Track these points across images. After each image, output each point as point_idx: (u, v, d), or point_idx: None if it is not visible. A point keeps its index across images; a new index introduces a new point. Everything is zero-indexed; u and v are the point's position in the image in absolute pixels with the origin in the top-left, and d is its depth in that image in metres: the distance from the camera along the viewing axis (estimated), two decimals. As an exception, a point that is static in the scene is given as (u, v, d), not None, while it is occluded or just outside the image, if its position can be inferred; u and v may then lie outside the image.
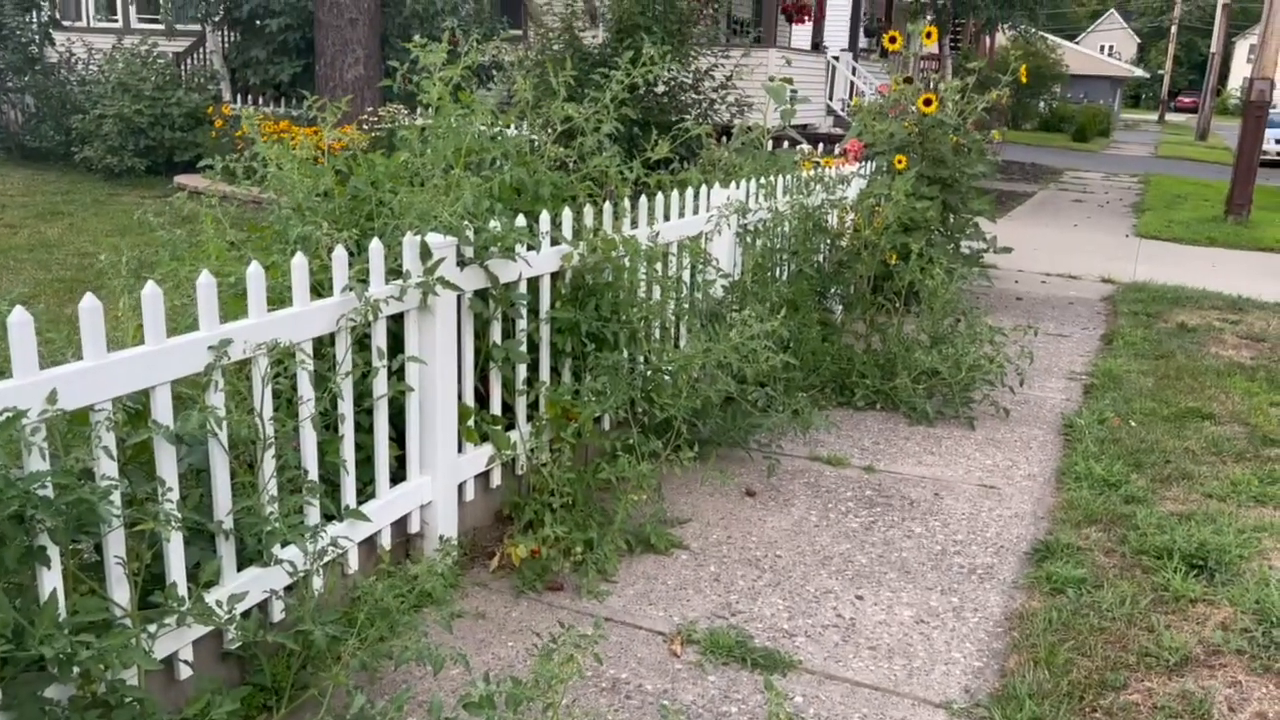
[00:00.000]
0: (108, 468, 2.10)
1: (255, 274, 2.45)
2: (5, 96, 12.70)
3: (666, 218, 4.26)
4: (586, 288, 3.72)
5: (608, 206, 3.84)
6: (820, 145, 8.70)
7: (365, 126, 7.14)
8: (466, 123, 3.53)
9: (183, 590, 2.29)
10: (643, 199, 4.12)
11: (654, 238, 4.00)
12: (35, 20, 13.10)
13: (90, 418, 2.10)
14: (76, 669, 1.95)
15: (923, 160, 6.44)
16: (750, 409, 4.10)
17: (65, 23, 14.55)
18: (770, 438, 4.25)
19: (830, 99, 17.40)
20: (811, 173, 5.61)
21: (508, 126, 3.85)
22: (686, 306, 4.41)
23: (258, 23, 11.72)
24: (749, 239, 4.91)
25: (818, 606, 3.10)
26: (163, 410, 2.24)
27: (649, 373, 3.86)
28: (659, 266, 4.16)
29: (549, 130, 4.01)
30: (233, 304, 2.86)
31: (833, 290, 5.85)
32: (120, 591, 2.17)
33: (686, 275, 4.46)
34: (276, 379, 2.58)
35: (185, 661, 2.33)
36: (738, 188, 4.80)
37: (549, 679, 1.81)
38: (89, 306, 2.06)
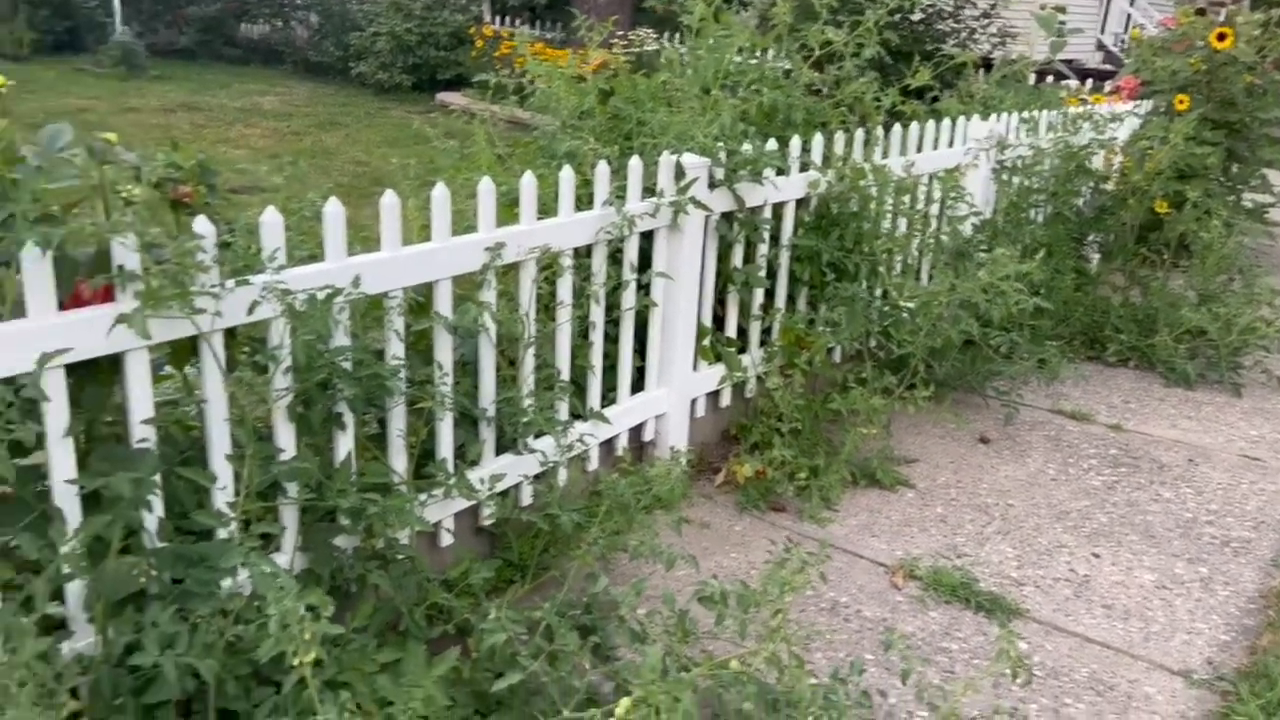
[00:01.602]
0: (397, 349, 2.34)
1: (529, 183, 2.61)
2: (294, 14, 13.83)
3: (920, 148, 4.14)
4: (830, 216, 3.70)
5: (859, 134, 3.77)
6: (1088, 81, 8.08)
7: (617, 49, 7.28)
8: (726, 44, 3.55)
9: (450, 466, 2.53)
10: (896, 128, 4.01)
11: (908, 168, 3.91)
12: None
13: (384, 303, 2.34)
14: (362, 523, 2.22)
15: (1208, 102, 5.85)
16: (992, 354, 3.97)
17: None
18: (1010, 385, 4.10)
19: (1102, 32, 16.01)
20: (1079, 109, 5.25)
21: (764, 50, 3.84)
22: (932, 242, 4.29)
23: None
24: (1005, 176, 4.68)
25: (1050, 559, 3.01)
26: (443, 303, 2.45)
27: (887, 307, 3.80)
28: (907, 198, 4.07)
29: (804, 54, 3.97)
30: (502, 212, 3.06)
31: (1091, 237, 5.49)
32: (399, 461, 2.43)
33: (935, 209, 4.32)
34: (538, 284, 2.75)
35: (448, 530, 2.59)
36: (998, 121, 4.57)
37: (781, 585, 1.89)
38: (389, 203, 2.28)
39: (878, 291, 3.89)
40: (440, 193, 2.39)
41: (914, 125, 4.07)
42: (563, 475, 2.85)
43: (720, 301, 3.52)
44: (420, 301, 2.55)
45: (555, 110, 3.58)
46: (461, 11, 12.76)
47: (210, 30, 13.95)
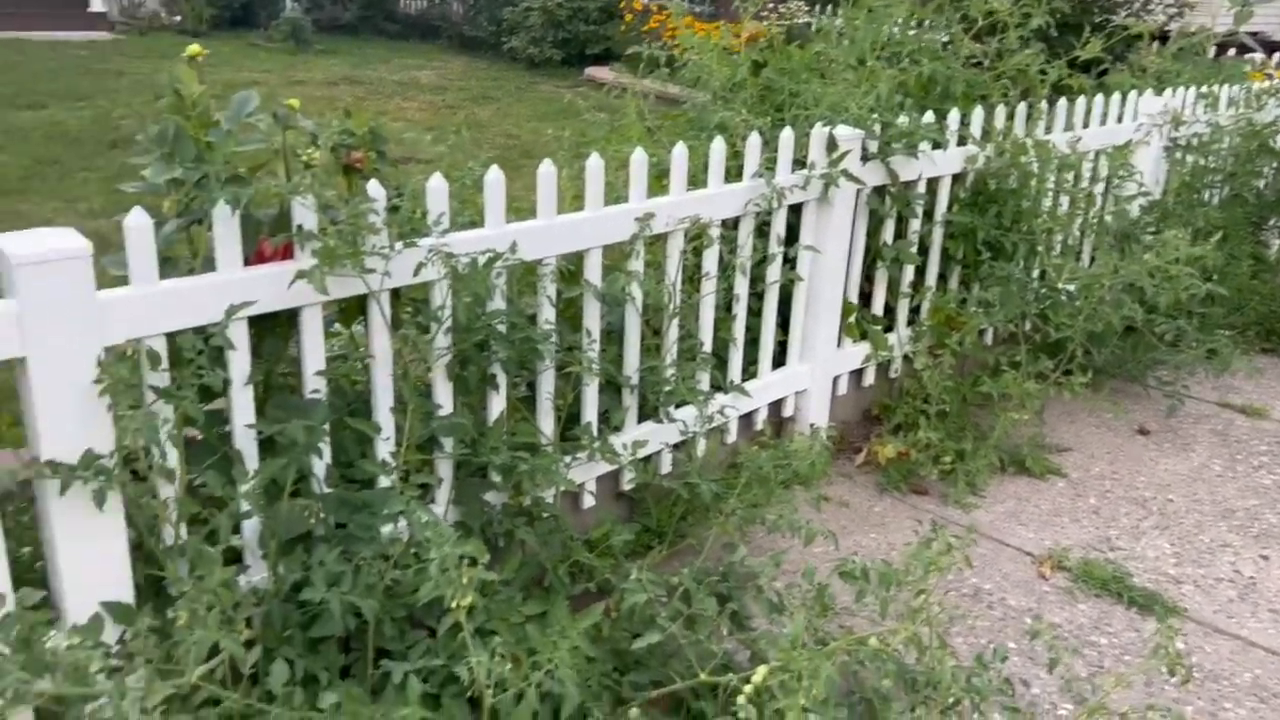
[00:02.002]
0: (549, 314, 2.40)
1: (680, 154, 2.63)
2: (451, -9, 14.23)
3: (1086, 124, 3.94)
4: (988, 193, 3.57)
5: (1021, 108, 3.62)
6: (1276, 55, 7.49)
7: (770, 21, 7.19)
8: (885, 14, 3.47)
9: (594, 431, 2.59)
10: (1061, 101, 3.83)
11: (1073, 144, 3.73)
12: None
13: (538, 270, 2.40)
14: (511, 480, 2.30)
15: None
16: (1156, 341, 3.76)
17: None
18: (1174, 375, 3.88)
19: (1295, 0, 14.77)
20: (1264, 85, 4.88)
21: (923, 21, 3.72)
22: (1095, 222, 4.09)
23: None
24: (1179, 154, 4.41)
25: (1212, 558, 2.85)
26: (593, 271, 2.50)
27: (1045, 289, 3.65)
28: (1071, 175, 3.88)
29: (965, 25, 3.82)
30: (651, 184, 3.08)
31: (1272, 221, 5.11)
32: (546, 423, 2.50)
33: (1100, 188, 4.12)
34: (684, 255, 2.77)
35: (590, 492, 2.65)
36: (1173, 96, 4.30)
37: (926, 565, 1.86)
38: (546, 172, 2.33)
39: (1035, 272, 3.74)
40: (595, 163, 2.43)
41: (1080, 99, 3.87)
42: (702, 445, 2.88)
43: (868, 278, 3.46)
44: (570, 270, 2.61)
45: (706, 83, 3.58)
46: (612, -14, 12.85)
47: (371, 6, 14.50)
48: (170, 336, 1.79)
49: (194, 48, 1.90)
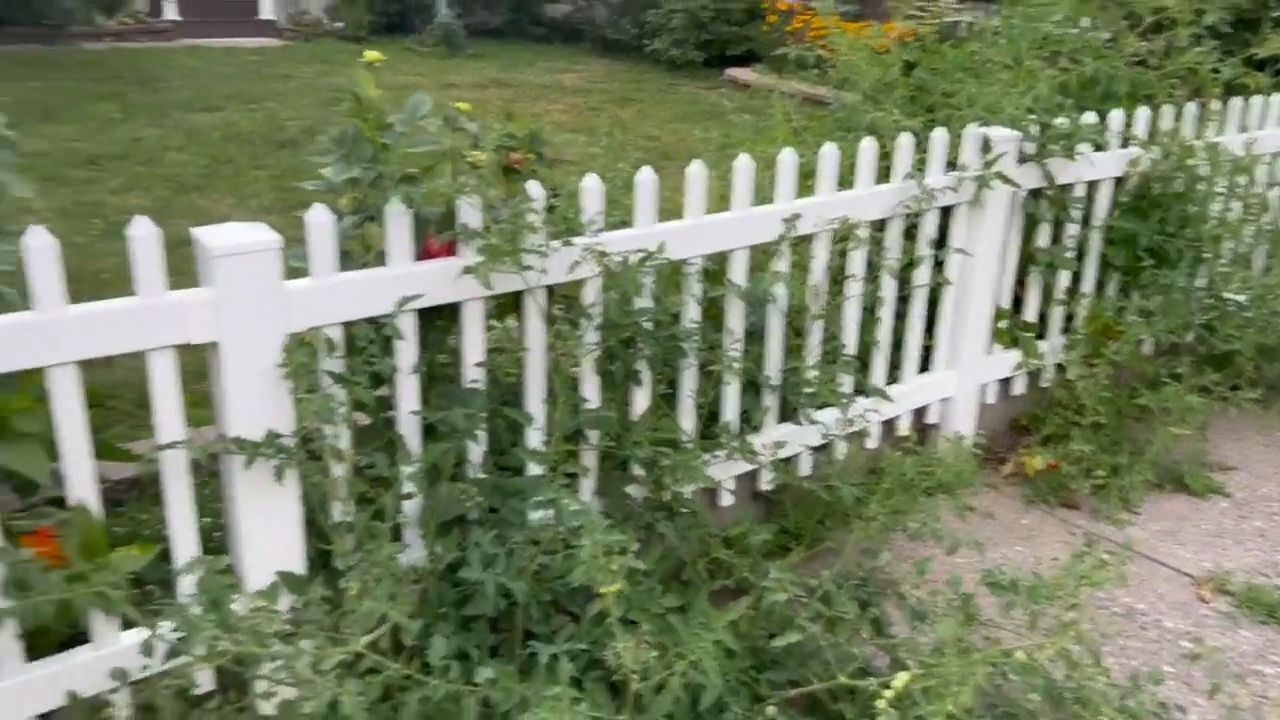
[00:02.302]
0: (693, 313, 2.44)
1: (829, 154, 2.62)
2: (596, -6, 14.45)
3: (1262, 125, 3.72)
4: (1151, 197, 3.41)
5: (1190, 108, 3.45)
6: None
7: (921, 20, 7.04)
8: (1044, 11, 3.36)
9: (734, 430, 2.61)
10: (1235, 101, 3.63)
11: (1247, 145, 3.53)
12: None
13: (683, 269, 2.44)
14: (653, 475, 2.35)
15: None
16: (1336, 356, 3.52)
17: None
18: (1356, 394, 3.63)
19: None
20: None
21: (1084, 19, 3.59)
22: (1270, 229, 3.85)
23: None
24: (1368, 158, 4.10)
25: (1396, 592, 2.66)
26: (738, 271, 2.52)
27: (1211, 299, 3.47)
28: (1243, 179, 3.67)
29: (1130, 22, 3.66)
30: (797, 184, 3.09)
31: None
32: (687, 420, 2.54)
33: (1276, 192, 3.87)
34: (830, 256, 2.76)
35: (728, 490, 2.68)
36: (1364, 94, 4.00)
37: (1078, 579, 1.81)
38: (696, 172, 2.37)
39: (1200, 281, 3.55)
40: (743, 163, 2.45)
41: (1256, 99, 3.66)
42: (842, 449, 2.86)
43: (1020, 283, 3.36)
44: (715, 269, 2.64)
45: (855, 83, 3.55)
46: (755, -14, 12.81)
47: (519, 11, 14.88)
48: (345, 325, 1.91)
49: (372, 54, 2.02)
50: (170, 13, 12.90)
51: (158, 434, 1.74)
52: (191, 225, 4.91)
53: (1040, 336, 3.41)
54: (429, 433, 2.09)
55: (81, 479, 1.70)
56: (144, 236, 1.66)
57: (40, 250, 1.58)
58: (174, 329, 1.70)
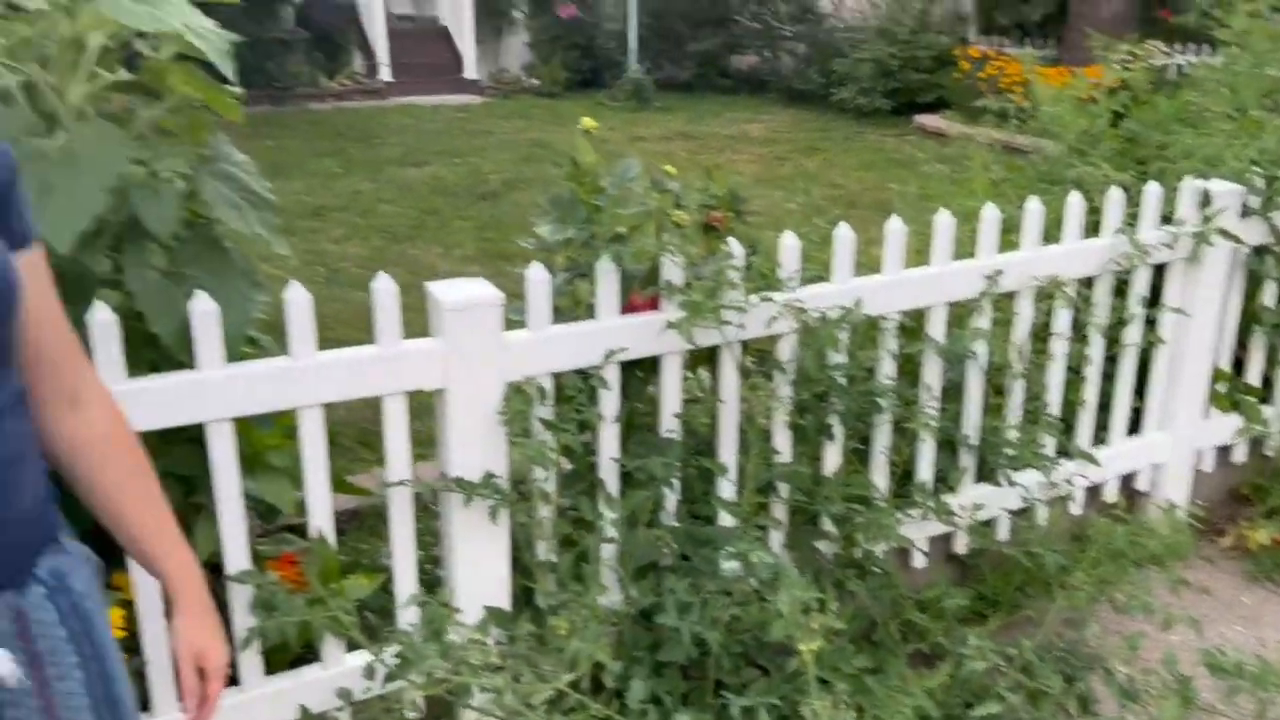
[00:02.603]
0: (890, 369, 2.43)
1: (1034, 210, 2.56)
2: (782, 45, 14.60)
3: None
4: (1399, 254, 3.13)
5: None
6: None
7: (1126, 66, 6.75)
8: (1272, 57, 3.17)
9: (929, 489, 2.57)
10: None
11: None
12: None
13: (879, 324, 2.44)
14: (844, 531, 2.34)
15: None
16: None
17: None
18: None
19: None
20: None
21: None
22: None
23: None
24: None
25: None
26: (936, 326, 2.50)
27: None
28: None
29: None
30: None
31: None
32: (880, 477, 2.52)
33: None
34: (1033, 313, 2.69)
35: (922, 551, 2.63)
36: None
37: (1315, 669, 1.68)
38: (895, 228, 2.38)
39: None
40: (944, 219, 2.44)
41: None
42: (1044, 513, 2.75)
43: (1241, 344, 3.15)
44: (911, 324, 2.62)
45: (1058, 134, 3.45)
46: (946, 33, 12.61)
47: (706, 64, 15.21)
48: (554, 375, 2.03)
49: (588, 121, 2.15)
50: (384, 74, 13.92)
51: (388, 472, 1.90)
52: (403, 273, 5.26)
53: (1265, 401, 3.18)
54: (626, 479, 2.17)
55: (321, 510, 1.87)
56: (384, 291, 1.83)
57: (297, 303, 1.76)
58: (407, 376, 1.85)
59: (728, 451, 2.27)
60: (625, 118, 12.58)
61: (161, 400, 1.64)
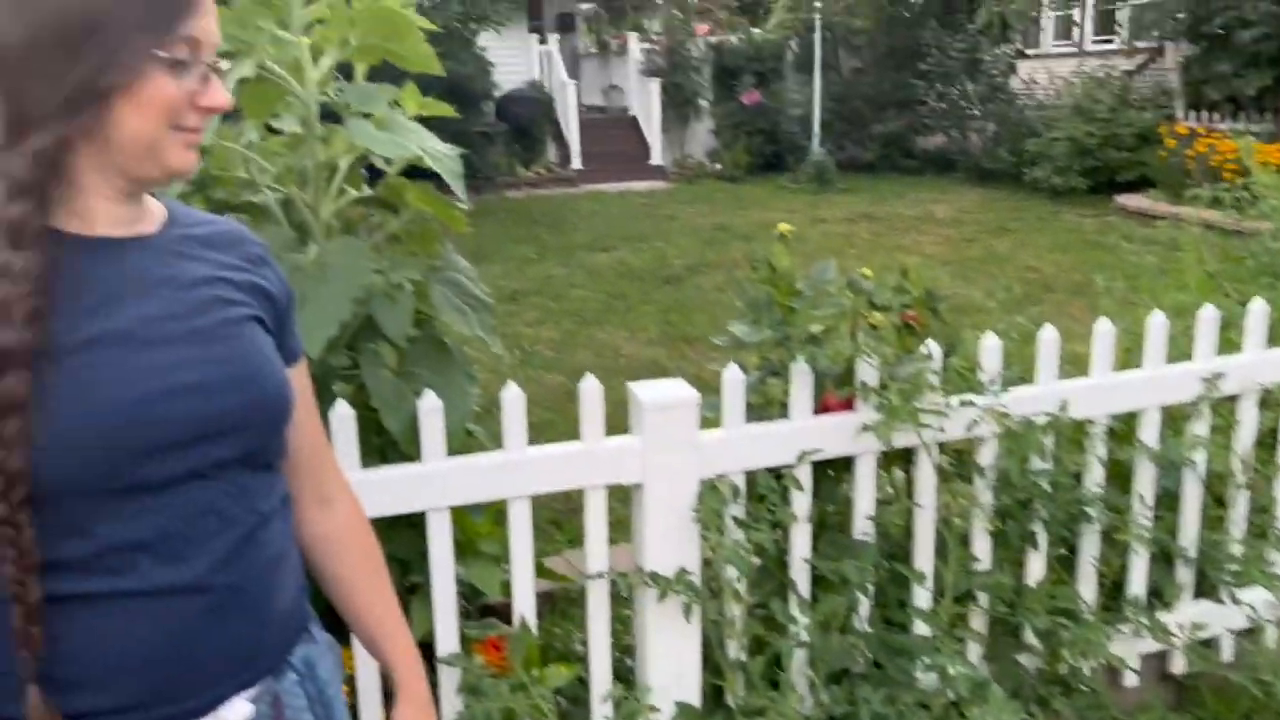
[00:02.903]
0: (1098, 476, 2.32)
1: (1259, 311, 2.42)
2: (970, 124, 14.38)
3: None
4: None
5: None
6: None
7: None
8: None
9: (1141, 604, 2.41)
10: None
11: None
12: (1005, 51, 14.55)
13: (1086, 428, 2.34)
14: (1048, 646, 2.23)
15: None
16: None
17: (1029, 52, 15.80)
18: None
19: None
20: None
21: None
22: None
23: (1227, 34, 11.11)
24: None
25: None
26: (1148, 432, 2.37)
27: None
28: None
29: None
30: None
31: None
32: (1087, 589, 2.39)
33: None
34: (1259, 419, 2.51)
35: (1134, 670, 2.46)
36: None
37: None
38: (1103, 330, 2.29)
39: None
40: (1158, 321, 2.33)
41: None
42: (1274, 635, 2.52)
43: None
44: (1121, 429, 2.50)
45: (1283, 224, 3.24)
46: (1150, 110, 12.07)
47: (890, 145, 15.15)
48: (748, 473, 2.06)
49: (784, 226, 2.21)
50: (576, 163, 14.63)
51: (587, 563, 1.97)
52: (591, 355, 5.49)
53: None
54: (818, 580, 2.15)
55: (525, 597, 1.96)
56: (590, 391, 1.93)
57: (512, 402, 1.88)
58: (608, 471, 1.93)
59: (924, 557, 2.22)
60: (807, 200, 12.67)
61: (390, 489, 1.78)
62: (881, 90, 15.45)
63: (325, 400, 1.70)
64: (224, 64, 1.03)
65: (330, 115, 1.95)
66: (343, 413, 1.74)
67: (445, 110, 2.10)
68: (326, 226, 1.93)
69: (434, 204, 2.00)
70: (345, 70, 2.04)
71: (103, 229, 0.99)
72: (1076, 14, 15.51)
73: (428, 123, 2.03)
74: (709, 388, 2.07)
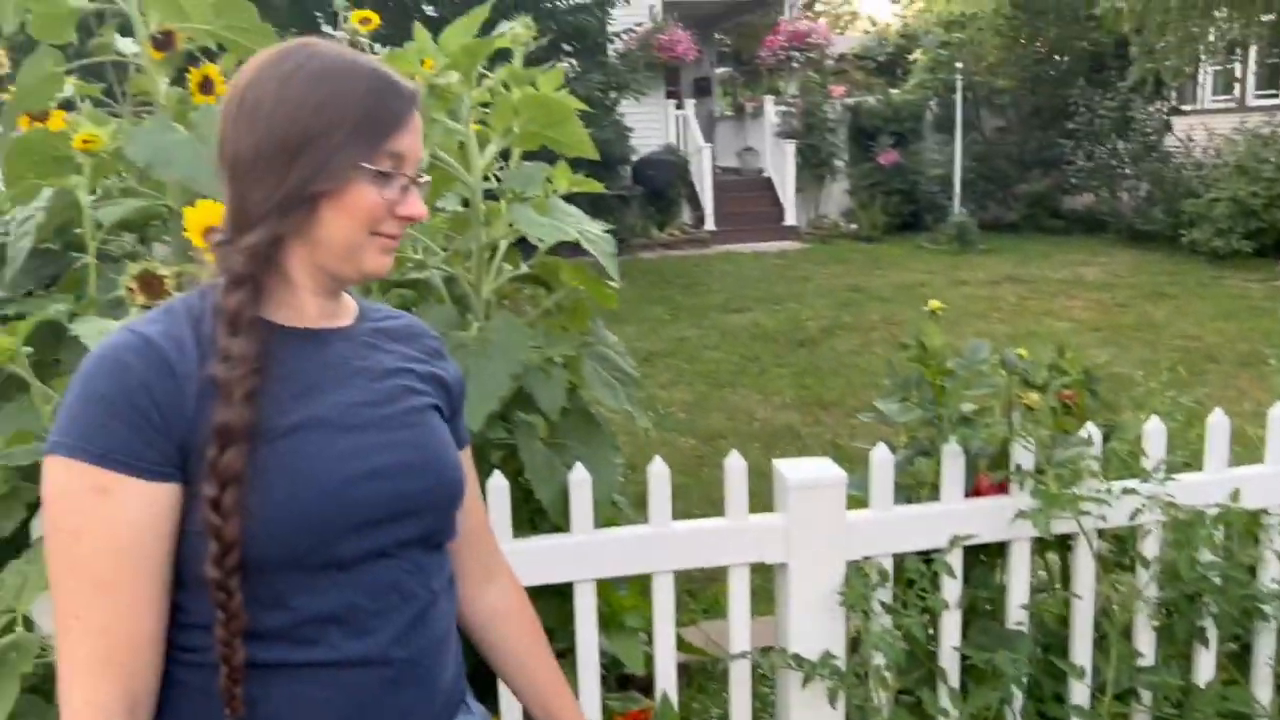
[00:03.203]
0: (1275, 571, 2.17)
1: None
2: (1122, 184, 13.84)
3: None
4: None
5: None
6: None
7: None
8: None
9: (1328, 712, 2.23)
10: None
11: None
12: (1159, 108, 14.00)
13: (1261, 519, 2.20)
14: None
15: None
16: None
17: (1185, 108, 15.16)
18: None
19: None
20: None
21: None
22: None
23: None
24: None
25: None
26: (1333, 525, 2.21)
27: None
28: None
29: None
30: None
31: None
32: (1263, 691, 2.23)
33: None
34: None
35: (1320, 786, 2.26)
36: None
37: None
38: (1278, 416, 2.16)
39: None
40: (1341, 406, 2.19)
41: None
42: None
43: None
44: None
45: None
46: (1321, 167, 11.36)
47: (1036, 204, 14.71)
48: (896, 556, 2.02)
49: (934, 304, 2.18)
50: (709, 224, 14.76)
51: (730, 642, 1.96)
52: (723, 419, 5.47)
53: None
54: (967, 669, 2.08)
55: (667, 671, 1.96)
56: (735, 469, 1.94)
57: (658, 476, 1.91)
58: (752, 549, 1.93)
59: (1082, 650, 2.12)
60: (947, 261, 12.40)
61: (540, 559, 1.83)
62: (1026, 149, 15.08)
63: (483, 470, 1.76)
64: (425, 178, 1.11)
65: (488, 194, 2.06)
66: (499, 484, 1.81)
67: (595, 186, 2.18)
68: (487, 304, 2.02)
69: (587, 281, 2.06)
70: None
71: (309, 321, 1.08)
72: (1238, 69, 14.83)
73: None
74: (845, 455, 2.06)
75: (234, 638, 0.97)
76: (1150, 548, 2.09)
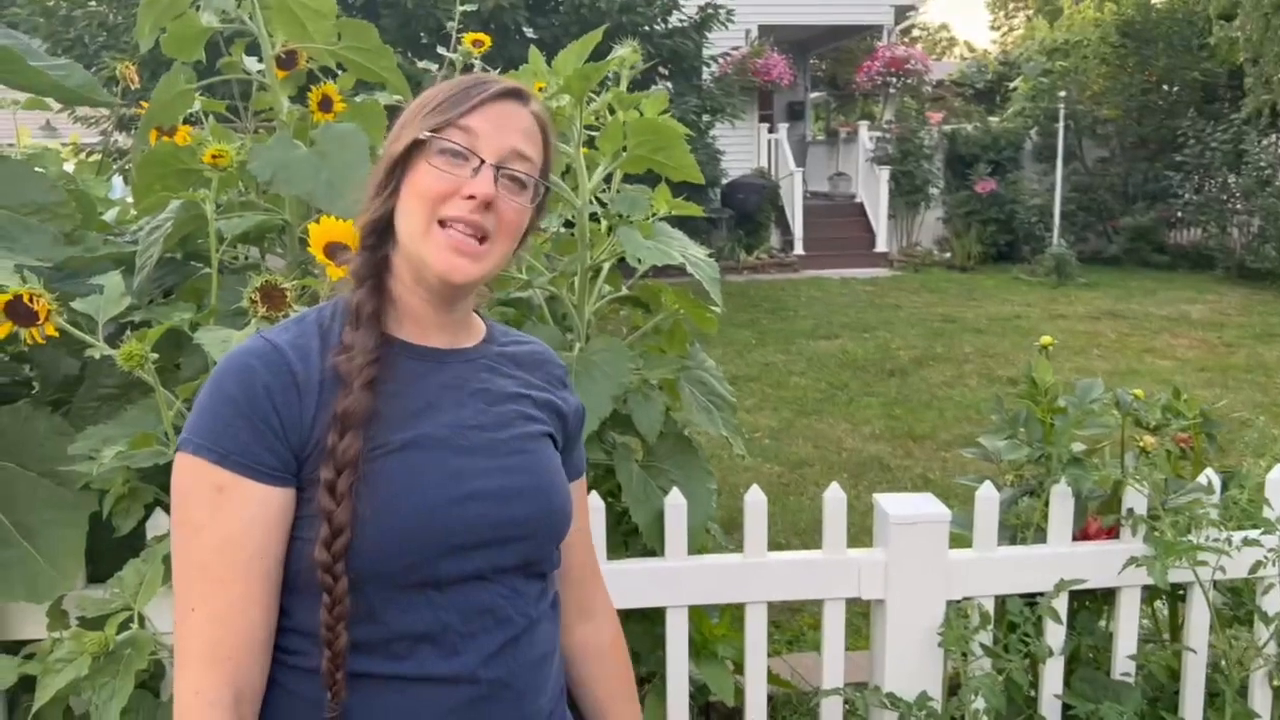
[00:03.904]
0: None
1: None
2: (1232, 219, 13.30)
3: None
4: None
5: None
6: None
7: None
8: None
9: None
10: None
11: None
12: (1274, 141, 13.43)
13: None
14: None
15: None
16: None
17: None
18: None
19: None
20: None
21: None
22: None
23: None
24: None
25: None
26: None
27: None
28: None
29: None
30: None
31: None
32: (1394, 764, 2.09)
33: None
34: None
35: None
36: None
37: None
38: None
39: None
40: None
41: None
42: None
43: None
44: None
45: None
46: None
47: (1139, 238, 14.24)
48: (997, 598, 1.95)
49: (1046, 339, 2.12)
50: (798, 249, 14.65)
51: (824, 677, 1.92)
52: (809, 447, 5.38)
53: None
54: (1068, 718, 2.00)
55: (758, 703, 1.93)
56: (834, 500, 1.90)
57: (755, 505, 1.89)
58: (848, 584, 1.89)
59: (1193, 706, 2.02)
60: (1044, 294, 12.07)
61: (634, 582, 1.82)
62: (1130, 181, 14.63)
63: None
64: (518, 168, 1.06)
65: (590, 215, 2.07)
66: (595, 504, 1.81)
67: (695, 210, 2.18)
68: (588, 324, 2.03)
69: (687, 304, 2.06)
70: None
71: (431, 340, 1.10)
72: (1360, 101, 14.14)
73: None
74: (936, 490, 2.00)
75: (338, 622, 0.98)
76: (1272, 603, 1.98)
